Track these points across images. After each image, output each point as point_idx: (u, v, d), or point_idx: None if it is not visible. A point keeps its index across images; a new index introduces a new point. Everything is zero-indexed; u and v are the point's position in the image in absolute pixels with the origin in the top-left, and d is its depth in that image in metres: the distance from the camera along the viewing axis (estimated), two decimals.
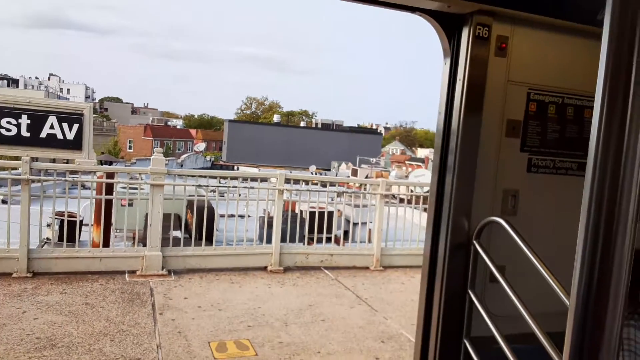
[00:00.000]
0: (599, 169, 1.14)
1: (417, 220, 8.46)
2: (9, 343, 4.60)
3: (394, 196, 9.33)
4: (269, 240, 8.01)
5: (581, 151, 3.36)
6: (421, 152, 67.66)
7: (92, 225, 8.17)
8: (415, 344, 3.53)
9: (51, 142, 7.30)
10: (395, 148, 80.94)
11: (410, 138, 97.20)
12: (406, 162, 53.58)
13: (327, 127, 72.76)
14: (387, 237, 8.73)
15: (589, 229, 1.15)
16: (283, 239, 8.10)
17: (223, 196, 8.15)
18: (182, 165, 43.68)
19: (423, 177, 20.55)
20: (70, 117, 7.34)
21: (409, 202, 9.16)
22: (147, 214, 7.39)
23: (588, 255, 1.16)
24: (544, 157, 3.33)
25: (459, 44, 3.18)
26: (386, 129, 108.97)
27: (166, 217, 7.51)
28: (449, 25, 3.21)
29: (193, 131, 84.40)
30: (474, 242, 3.12)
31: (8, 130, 7.15)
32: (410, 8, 3.14)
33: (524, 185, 3.30)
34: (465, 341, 3.13)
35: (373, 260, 8.38)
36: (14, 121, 7.17)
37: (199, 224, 8.30)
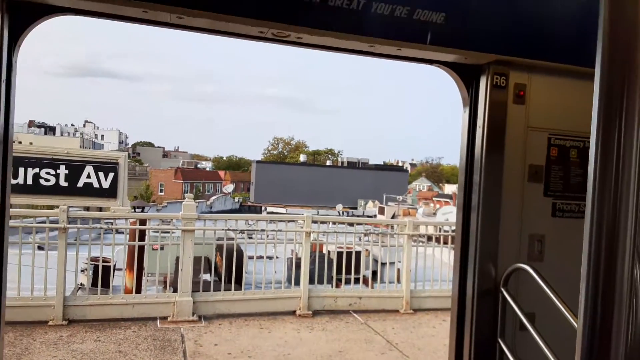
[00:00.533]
0: (597, 211, 1.17)
1: (447, 259, 8.35)
2: None
3: (422, 235, 9.24)
4: (297, 282, 8.01)
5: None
6: (448, 188, 67.02)
7: (124, 270, 8.34)
8: None
9: (88, 190, 7.59)
10: (422, 184, 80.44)
11: (437, 174, 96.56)
12: (433, 198, 53.12)
13: (353, 165, 73.09)
14: (417, 277, 8.61)
15: (591, 264, 1.18)
16: (311, 281, 8.08)
17: (251, 238, 8.25)
18: (211, 207, 44.30)
19: (451, 215, 20.32)
20: (106, 166, 7.65)
21: (438, 240, 9.06)
22: (177, 258, 7.52)
23: (592, 290, 1.18)
24: (568, 201, 3.33)
25: (477, 92, 3.26)
26: (412, 165, 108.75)
27: (196, 260, 7.63)
28: (466, 76, 3.30)
29: (222, 173, 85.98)
30: (502, 289, 3.10)
31: (47, 180, 7.48)
32: (429, 61, 3.25)
33: (549, 230, 3.29)
34: None
35: (403, 302, 8.25)
36: (52, 172, 7.50)
37: (229, 267, 8.36)
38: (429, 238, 9.31)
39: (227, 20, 2.78)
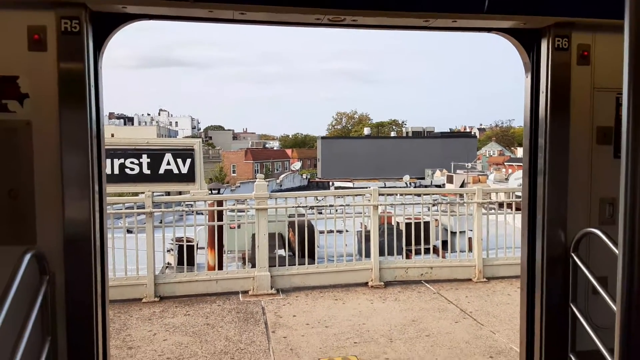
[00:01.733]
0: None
1: (520, 225, 8.16)
2: None
3: (493, 202, 9.07)
4: (367, 254, 8.21)
5: None
6: (521, 152, 64.02)
7: (206, 248, 8.92)
8: (519, 357, 3.51)
9: (169, 176, 8.19)
10: (492, 149, 77.47)
11: (507, 137, 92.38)
12: (505, 163, 51.09)
13: (418, 134, 71.67)
14: (489, 245, 8.52)
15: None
16: (381, 253, 8.23)
17: (321, 213, 8.51)
18: (281, 185, 45.45)
19: None
20: (183, 153, 8.19)
21: (510, 206, 8.87)
22: (253, 235, 7.94)
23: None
24: None
25: (539, 57, 3.19)
26: (481, 130, 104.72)
27: (270, 236, 8.01)
28: (526, 41, 3.23)
29: (289, 151, 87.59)
30: (572, 254, 3.08)
31: (132, 169, 8.14)
32: (487, 29, 3.21)
33: None
34: (572, 356, 3.08)
35: (475, 271, 8.22)
36: (136, 161, 8.15)
37: (301, 242, 8.69)
38: (501, 205, 9.13)
39: (285, 11, 2.92)
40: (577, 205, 3.18)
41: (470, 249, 8.89)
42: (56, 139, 2.77)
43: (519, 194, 9.47)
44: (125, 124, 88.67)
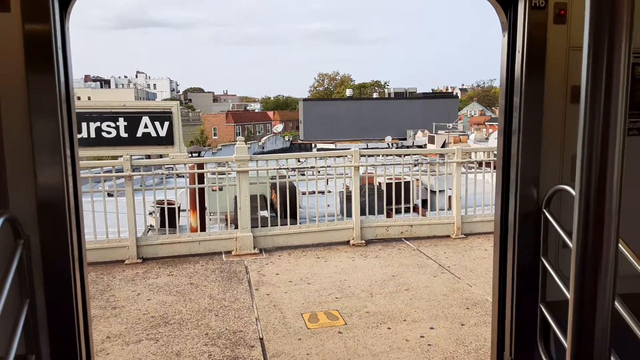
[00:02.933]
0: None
1: None
2: (128, 322, 5.30)
3: (472, 161, 9.21)
4: (349, 214, 8.32)
5: None
6: None
7: (188, 211, 8.94)
8: (492, 309, 3.66)
9: (147, 140, 8.09)
10: (473, 109, 77.85)
11: (489, 97, 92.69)
12: (486, 123, 51.45)
13: (400, 95, 71.45)
14: (469, 203, 8.70)
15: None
16: (363, 213, 8.36)
17: (303, 175, 8.55)
18: (263, 148, 45.25)
19: None
20: (161, 116, 8.07)
21: (488, 165, 9.01)
22: (235, 197, 7.98)
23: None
24: None
25: (516, 16, 3.17)
26: (462, 90, 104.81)
27: (253, 198, 8.05)
28: (504, 0, 3.21)
29: (270, 113, 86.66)
30: (544, 210, 3.17)
31: (109, 133, 8.01)
32: None
33: None
34: (541, 306, 3.21)
35: (454, 228, 8.42)
36: (112, 124, 8.01)
37: (283, 203, 8.76)
38: (480, 164, 9.27)
39: None
40: (549, 163, 3.24)
41: (449, 207, 9.06)
42: (24, 103, 2.71)
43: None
44: (101, 86, 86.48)
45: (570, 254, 1.29)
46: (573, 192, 2.98)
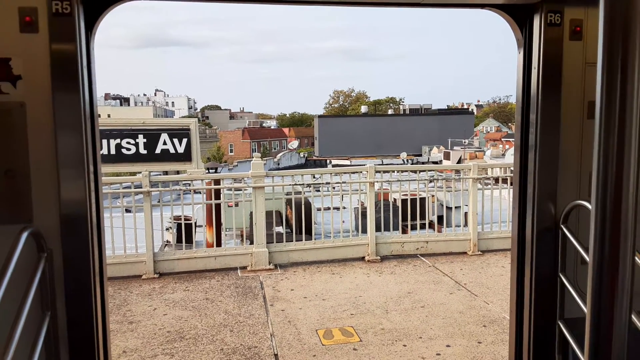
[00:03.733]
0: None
1: None
2: (145, 337, 5.34)
3: (488, 177, 9.16)
4: (364, 230, 8.31)
5: None
6: None
7: (205, 226, 9.02)
8: (509, 326, 3.61)
9: (165, 156, 8.25)
10: (489, 126, 77.45)
11: (505, 114, 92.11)
12: (502, 139, 51.08)
13: (415, 112, 71.46)
14: (485, 219, 8.63)
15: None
16: (378, 229, 8.35)
17: (318, 191, 8.59)
18: (278, 164, 45.50)
19: None
20: (179, 133, 8.23)
21: (505, 181, 8.95)
22: (251, 213, 8.03)
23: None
24: None
25: (531, 32, 3.20)
26: (478, 106, 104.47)
27: (268, 214, 8.11)
28: (519, 16, 3.23)
29: (286, 130, 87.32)
30: (562, 226, 3.15)
31: (128, 149, 8.19)
32: (479, 5, 3.21)
33: None
34: (560, 323, 3.17)
35: (470, 245, 8.35)
36: (132, 141, 8.19)
37: (298, 219, 8.79)
38: (497, 180, 9.21)
39: None
40: (567, 179, 3.23)
41: (466, 224, 9.00)
42: (50, 120, 2.80)
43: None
44: (121, 104, 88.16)
45: (588, 270, 1.29)
46: (590, 207, 2.97)
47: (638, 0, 1.20)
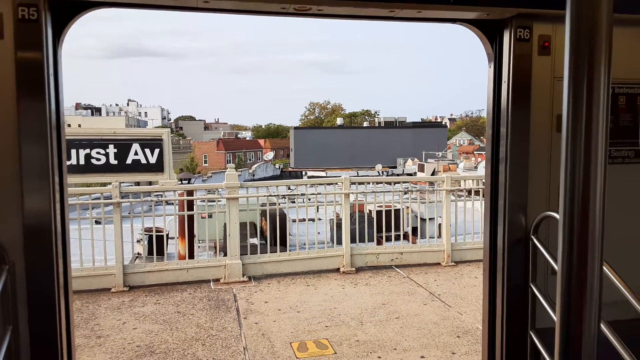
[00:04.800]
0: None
1: None
2: (113, 352, 5.18)
3: (462, 189, 9.28)
4: (339, 242, 8.28)
5: (637, 138, 3.33)
6: None
7: (177, 238, 8.86)
8: (482, 337, 3.63)
9: (136, 167, 8.06)
10: (462, 139, 78.91)
11: (477, 127, 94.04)
12: (474, 152, 52.03)
13: (390, 124, 72.26)
14: (458, 231, 8.72)
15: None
16: (353, 240, 8.34)
17: (293, 202, 8.54)
18: (254, 175, 45.26)
19: None
20: (151, 143, 8.07)
21: (477, 193, 9.08)
22: (225, 224, 7.93)
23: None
24: None
25: (502, 47, 3.26)
26: (451, 120, 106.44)
27: (242, 225, 8.01)
28: (490, 31, 3.30)
29: (261, 141, 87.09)
30: (532, 237, 3.19)
31: (98, 159, 7.98)
32: (451, 20, 3.26)
33: None
34: (531, 333, 3.20)
35: (444, 256, 8.41)
36: (102, 151, 7.99)
37: (273, 230, 8.72)
38: (469, 192, 9.34)
39: (250, 0, 2.91)
40: (537, 191, 3.29)
41: (439, 235, 9.08)
42: (14, 129, 2.71)
43: None
44: (92, 114, 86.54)
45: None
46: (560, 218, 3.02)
47: (603, 16, 1.23)
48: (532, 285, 3.23)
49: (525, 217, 3.28)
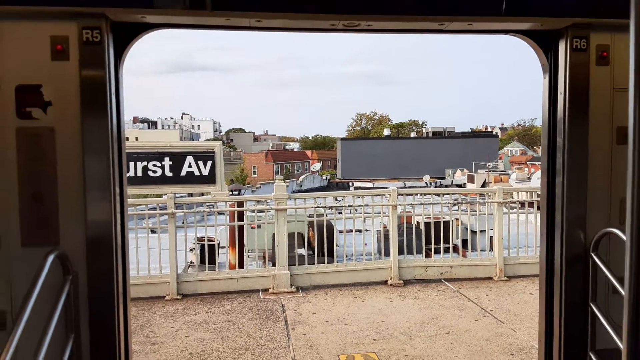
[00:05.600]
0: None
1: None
2: (166, 359, 5.34)
3: (514, 201, 9.00)
4: (387, 253, 8.22)
5: None
6: None
7: (228, 248, 9.07)
8: (538, 355, 3.51)
9: (190, 178, 8.38)
10: (514, 149, 76.53)
11: (530, 137, 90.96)
12: (527, 162, 50.32)
13: (438, 135, 71.14)
14: (511, 244, 8.45)
15: None
16: (401, 252, 8.25)
17: (340, 213, 8.56)
18: (301, 186, 45.65)
19: None
20: (204, 155, 8.37)
21: (531, 205, 8.78)
22: (273, 235, 8.05)
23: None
24: None
25: (557, 58, 3.18)
26: (502, 130, 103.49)
27: (290, 236, 8.10)
28: (544, 42, 3.23)
29: (309, 152, 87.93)
30: (592, 254, 3.07)
31: (154, 172, 8.35)
32: (503, 31, 3.22)
33: None
34: (591, 354, 3.07)
35: (496, 270, 8.17)
36: (158, 164, 8.35)
37: (321, 241, 8.75)
38: (523, 204, 9.04)
39: (300, 18, 2.99)
40: (596, 205, 3.17)
41: (491, 248, 8.83)
42: (78, 144, 2.87)
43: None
44: (149, 127, 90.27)
45: (621, 300, 1.24)
46: (623, 236, 2.88)
47: None
48: (592, 305, 3.10)
49: (585, 232, 3.16)
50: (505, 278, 8.09)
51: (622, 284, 2.86)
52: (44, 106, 2.84)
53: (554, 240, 3.30)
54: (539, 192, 8.95)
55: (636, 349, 1.26)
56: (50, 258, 2.57)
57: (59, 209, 2.87)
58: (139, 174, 8.41)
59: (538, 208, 8.53)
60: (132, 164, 8.34)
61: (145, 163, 8.37)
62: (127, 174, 8.21)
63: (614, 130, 3.14)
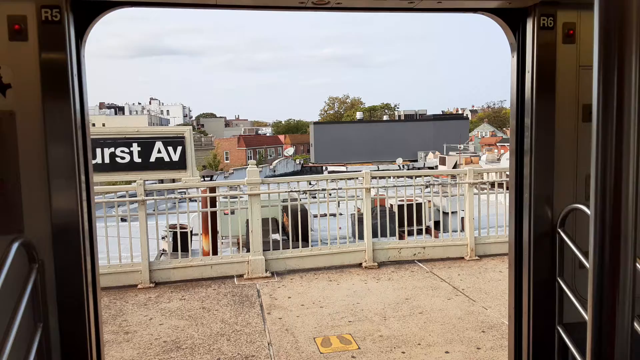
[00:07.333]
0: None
1: None
2: (140, 347, 5.27)
3: (484, 182, 9.16)
4: (361, 237, 8.28)
5: None
6: None
7: (201, 234, 8.98)
8: (508, 332, 3.59)
9: (160, 164, 8.19)
10: (484, 131, 77.88)
11: (500, 118, 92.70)
12: (497, 144, 51.31)
13: (410, 117, 71.76)
14: (481, 224, 8.62)
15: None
16: (375, 235, 8.32)
17: (314, 197, 8.56)
18: (274, 171, 45.49)
19: None
20: (174, 141, 8.19)
21: (501, 186, 8.95)
22: (247, 220, 7.99)
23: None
24: None
25: (525, 36, 3.20)
26: (473, 112, 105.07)
27: (264, 221, 8.06)
28: (512, 20, 3.23)
29: (282, 137, 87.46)
30: (559, 230, 3.13)
31: (122, 158, 8.13)
32: (472, 9, 3.21)
33: None
34: (559, 328, 3.15)
35: (467, 250, 8.33)
36: (126, 149, 8.13)
37: (295, 226, 8.75)
38: (492, 184, 9.21)
39: None
40: (563, 183, 3.22)
41: (462, 229, 8.99)
42: (40, 129, 2.76)
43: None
44: (116, 113, 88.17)
45: (587, 274, 1.26)
46: (588, 212, 2.95)
47: (633, 2, 1.18)
48: (559, 280, 3.18)
49: (552, 209, 3.22)
50: (477, 257, 8.26)
51: (588, 259, 2.95)
52: (2, 89, 2.71)
53: (522, 219, 3.36)
54: (508, 173, 9.18)
55: (600, 320, 1.29)
56: (15, 246, 2.48)
57: (22, 196, 2.77)
58: (107, 160, 8.18)
59: (507, 188, 8.70)
60: (99, 150, 8.11)
61: (112, 149, 8.14)
62: (94, 161, 8.04)
63: (579, 108, 3.19)
